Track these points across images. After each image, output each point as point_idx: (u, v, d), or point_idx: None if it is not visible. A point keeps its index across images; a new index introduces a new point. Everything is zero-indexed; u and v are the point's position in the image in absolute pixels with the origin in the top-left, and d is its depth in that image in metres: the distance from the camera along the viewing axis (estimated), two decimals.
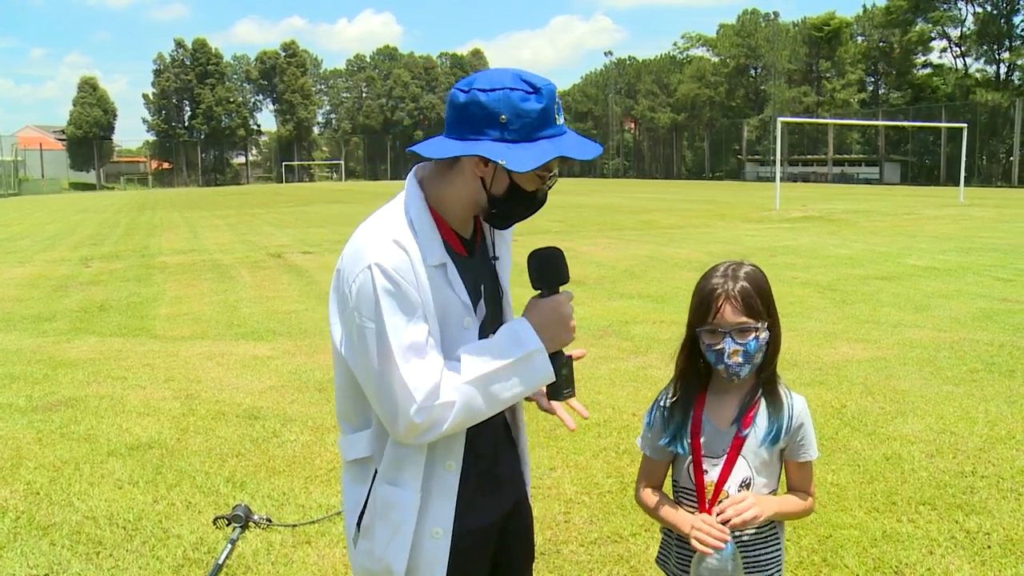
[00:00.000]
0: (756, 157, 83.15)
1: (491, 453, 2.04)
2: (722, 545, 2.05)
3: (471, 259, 1.98)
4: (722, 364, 2.08)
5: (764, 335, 2.08)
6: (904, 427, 5.68)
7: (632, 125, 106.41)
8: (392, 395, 1.78)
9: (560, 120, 1.84)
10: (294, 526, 4.32)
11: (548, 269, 1.94)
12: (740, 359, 2.06)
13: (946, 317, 9.41)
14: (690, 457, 2.16)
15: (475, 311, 1.96)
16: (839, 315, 9.67)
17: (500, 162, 1.75)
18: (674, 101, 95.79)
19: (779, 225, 23.16)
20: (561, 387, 1.93)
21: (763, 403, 2.14)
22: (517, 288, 2.10)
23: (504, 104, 1.76)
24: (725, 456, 2.13)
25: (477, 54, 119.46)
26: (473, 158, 1.82)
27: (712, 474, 2.13)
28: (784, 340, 2.18)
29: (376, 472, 1.96)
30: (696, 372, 2.19)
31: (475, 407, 1.83)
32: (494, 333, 2.02)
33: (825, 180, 69.98)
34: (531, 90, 1.78)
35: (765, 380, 2.15)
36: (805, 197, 38.50)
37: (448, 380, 1.81)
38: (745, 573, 2.14)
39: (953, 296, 10.80)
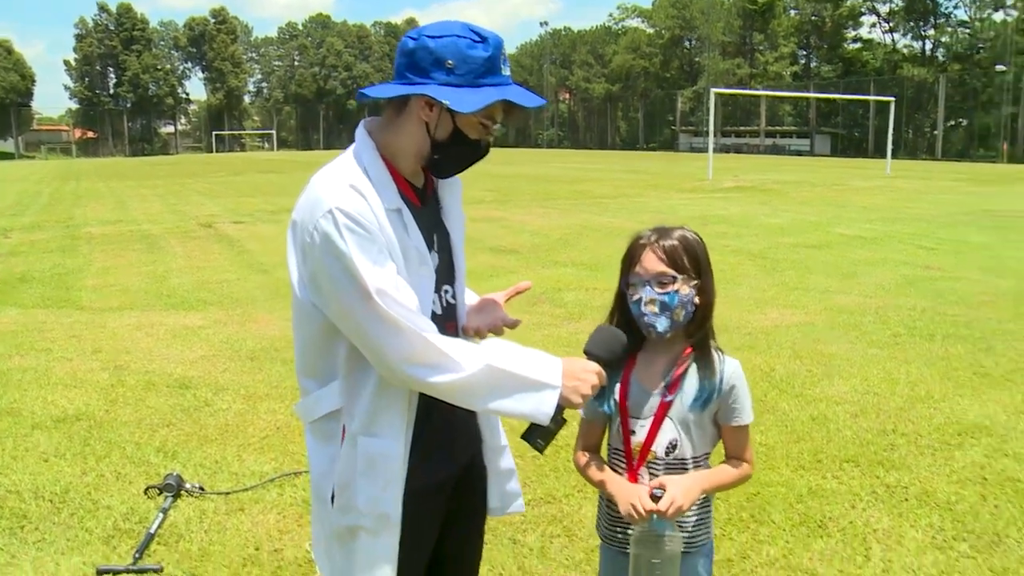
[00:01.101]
0: (690, 128, 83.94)
1: (447, 408, 2.00)
2: (644, 513, 2.04)
3: (424, 208, 2.00)
4: (640, 314, 2.08)
5: (687, 291, 2.07)
6: (830, 389, 5.83)
7: (567, 96, 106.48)
8: (376, 331, 1.79)
9: (506, 72, 1.88)
10: (227, 494, 4.28)
11: (603, 342, 2.04)
12: (656, 309, 2.05)
13: (872, 284, 9.66)
14: (618, 417, 2.18)
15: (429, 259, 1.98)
16: (769, 282, 9.86)
17: (444, 102, 1.80)
18: (609, 72, 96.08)
19: (711, 195, 23.45)
20: (538, 436, 1.94)
21: (693, 366, 2.13)
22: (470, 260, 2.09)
23: (451, 50, 1.81)
24: (652, 417, 2.13)
25: (411, 23, 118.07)
26: (419, 102, 1.86)
27: (640, 435, 2.13)
28: (715, 305, 2.17)
29: (345, 427, 1.95)
30: (628, 330, 2.19)
31: (474, 390, 1.85)
32: (449, 285, 2.07)
33: (757, 151, 71.01)
34: (478, 39, 1.83)
35: (696, 343, 2.14)
36: (737, 168, 39.03)
37: (472, 352, 1.85)
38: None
39: (879, 264, 11.09)
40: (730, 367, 2.16)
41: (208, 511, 4.09)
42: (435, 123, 1.88)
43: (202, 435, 5.14)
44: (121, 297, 9.68)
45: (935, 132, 65.79)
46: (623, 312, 2.17)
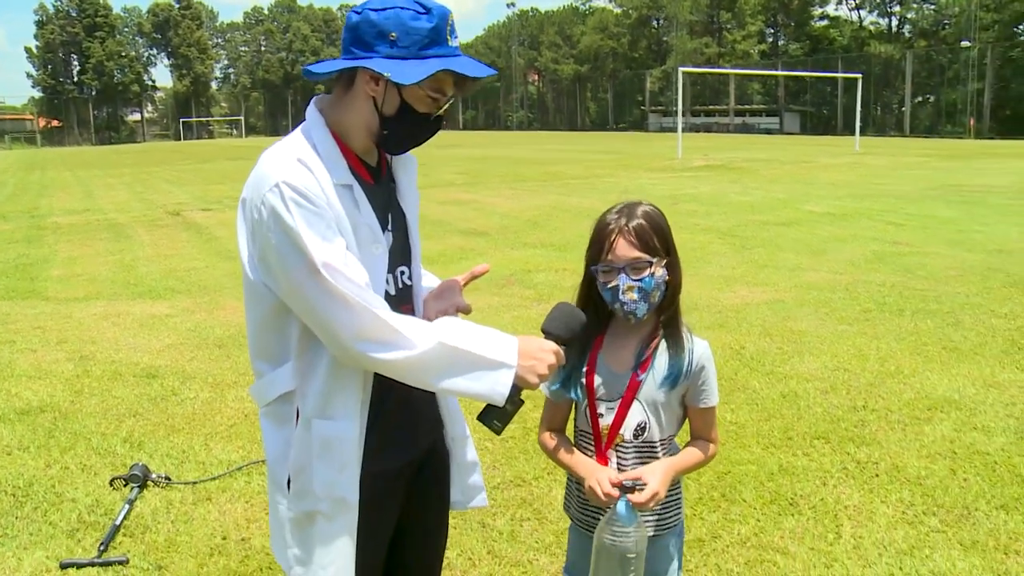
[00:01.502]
0: (659, 108, 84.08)
1: (404, 390, 1.94)
2: (616, 494, 2.00)
3: (377, 186, 1.96)
4: (617, 302, 2.03)
5: (661, 272, 2.03)
6: (800, 366, 5.85)
7: (536, 77, 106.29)
8: (324, 307, 1.75)
9: (453, 43, 1.84)
10: (194, 483, 4.22)
11: (561, 320, 1.97)
12: (635, 296, 2.01)
13: (841, 260, 9.71)
14: (586, 401, 2.13)
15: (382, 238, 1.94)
16: (739, 260, 9.88)
17: (385, 75, 1.76)
18: (577, 53, 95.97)
19: (681, 174, 23.49)
20: (495, 418, 1.89)
21: (663, 344, 2.10)
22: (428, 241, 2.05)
23: (394, 22, 1.78)
24: (621, 399, 2.09)
25: None
26: (364, 77, 1.83)
27: (608, 418, 2.10)
28: (685, 284, 2.14)
29: (299, 410, 1.90)
30: (594, 314, 2.15)
31: (427, 368, 1.80)
32: (405, 266, 2.02)
33: (727, 130, 71.15)
34: (423, 10, 1.79)
35: (665, 321, 2.10)
36: (707, 147, 39.11)
37: (424, 329, 1.80)
38: (643, 526, 2.08)
39: (848, 240, 11.14)
40: (700, 347, 2.13)
41: (175, 501, 4.04)
42: (382, 97, 1.84)
43: (169, 424, 5.07)
44: (87, 287, 9.55)
45: (903, 109, 66.29)
46: (590, 295, 2.13)
